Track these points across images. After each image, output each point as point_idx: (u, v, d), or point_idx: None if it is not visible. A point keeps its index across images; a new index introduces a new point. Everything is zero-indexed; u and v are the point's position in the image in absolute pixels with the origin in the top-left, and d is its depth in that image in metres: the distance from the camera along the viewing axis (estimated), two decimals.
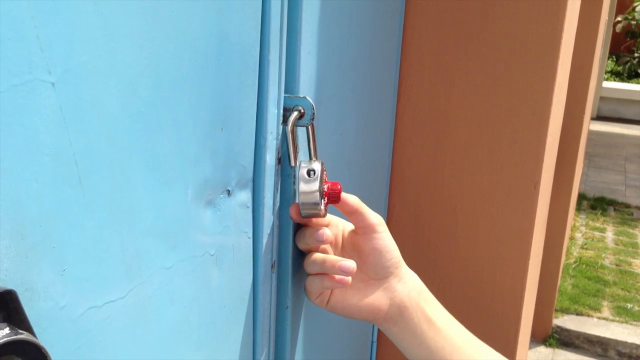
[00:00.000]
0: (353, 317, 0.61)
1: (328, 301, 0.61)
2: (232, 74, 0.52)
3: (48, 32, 0.33)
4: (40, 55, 0.33)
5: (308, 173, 0.58)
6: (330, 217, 0.63)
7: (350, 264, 0.57)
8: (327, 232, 0.58)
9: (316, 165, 0.59)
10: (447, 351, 0.59)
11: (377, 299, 0.60)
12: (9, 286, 0.32)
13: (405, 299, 0.60)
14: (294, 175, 0.61)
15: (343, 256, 0.62)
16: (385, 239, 0.60)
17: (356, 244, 0.62)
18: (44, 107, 0.34)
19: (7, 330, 0.31)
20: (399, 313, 0.60)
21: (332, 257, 0.59)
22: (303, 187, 0.58)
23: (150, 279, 0.46)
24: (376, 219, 0.60)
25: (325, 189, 0.59)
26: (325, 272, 0.58)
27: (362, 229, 0.60)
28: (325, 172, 0.60)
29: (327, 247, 0.63)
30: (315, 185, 0.58)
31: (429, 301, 0.61)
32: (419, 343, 0.59)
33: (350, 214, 0.60)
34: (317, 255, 0.60)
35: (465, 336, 0.61)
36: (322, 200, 0.59)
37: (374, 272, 0.60)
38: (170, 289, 0.48)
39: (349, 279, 0.58)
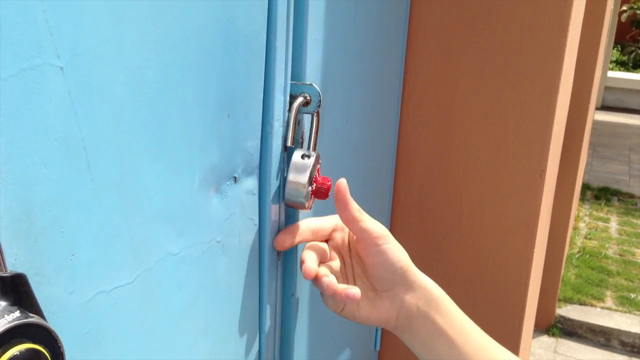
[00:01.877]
0: (365, 325, 0.60)
1: (342, 309, 0.59)
2: (238, 60, 0.51)
3: (57, 16, 0.33)
4: (49, 40, 0.33)
5: (299, 162, 0.57)
6: (337, 221, 0.61)
7: (355, 291, 0.55)
8: (309, 265, 0.56)
9: (310, 158, 0.58)
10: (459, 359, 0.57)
11: (386, 310, 0.58)
12: (19, 270, 0.32)
13: (413, 309, 0.57)
14: (287, 163, 0.60)
15: (351, 262, 0.61)
16: (386, 252, 0.57)
17: (360, 253, 0.59)
18: (52, 91, 0.34)
19: (17, 313, 0.31)
20: (408, 323, 0.58)
21: (339, 286, 0.56)
22: (292, 176, 0.57)
23: (157, 265, 0.46)
24: (377, 231, 0.57)
25: (313, 188, 0.58)
26: (335, 295, 0.56)
27: (363, 240, 0.57)
28: (319, 166, 0.59)
29: (335, 263, 0.61)
30: (304, 178, 0.57)
31: (441, 310, 0.58)
32: (429, 350, 0.58)
33: (348, 222, 0.57)
34: (326, 285, 0.56)
35: (479, 342, 0.58)
36: (310, 195, 0.58)
37: (378, 283, 0.59)
38: (178, 275, 0.49)
39: (358, 294, 0.55)
